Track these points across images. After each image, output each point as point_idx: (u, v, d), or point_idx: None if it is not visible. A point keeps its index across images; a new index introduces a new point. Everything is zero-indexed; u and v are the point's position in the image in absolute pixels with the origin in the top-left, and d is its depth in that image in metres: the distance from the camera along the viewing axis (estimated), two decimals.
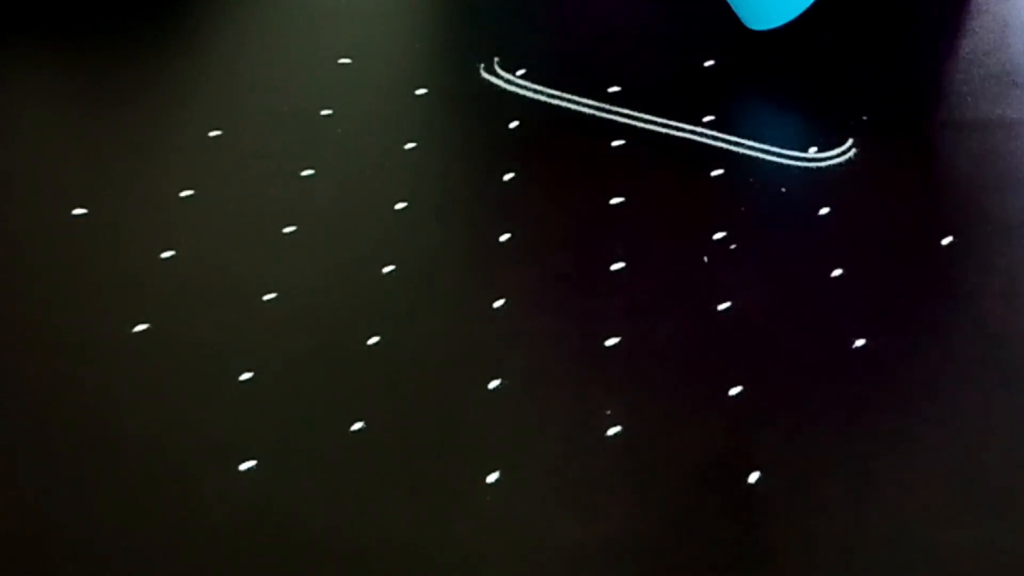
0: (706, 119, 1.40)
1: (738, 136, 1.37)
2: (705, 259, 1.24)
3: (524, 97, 1.45)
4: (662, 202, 1.32)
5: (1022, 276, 1.23)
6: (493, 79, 1.47)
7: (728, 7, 1.57)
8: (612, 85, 1.45)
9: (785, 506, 1.03)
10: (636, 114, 1.41)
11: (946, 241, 1.25)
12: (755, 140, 1.37)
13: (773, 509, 1.03)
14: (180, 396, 1.13)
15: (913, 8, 1.61)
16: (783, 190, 1.32)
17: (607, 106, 1.42)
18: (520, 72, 1.47)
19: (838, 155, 1.35)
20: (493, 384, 1.13)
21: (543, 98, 1.45)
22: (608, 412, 1.09)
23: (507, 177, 1.35)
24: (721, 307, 1.19)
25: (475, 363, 1.15)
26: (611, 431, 1.08)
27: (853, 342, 1.15)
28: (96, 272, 1.27)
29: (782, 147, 1.36)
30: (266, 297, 1.22)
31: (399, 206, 1.31)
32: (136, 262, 1.27)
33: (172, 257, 1.26)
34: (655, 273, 1.24)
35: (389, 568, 1.00)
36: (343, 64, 1.52)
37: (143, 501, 1.05)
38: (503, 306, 1.20)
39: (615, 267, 1.24)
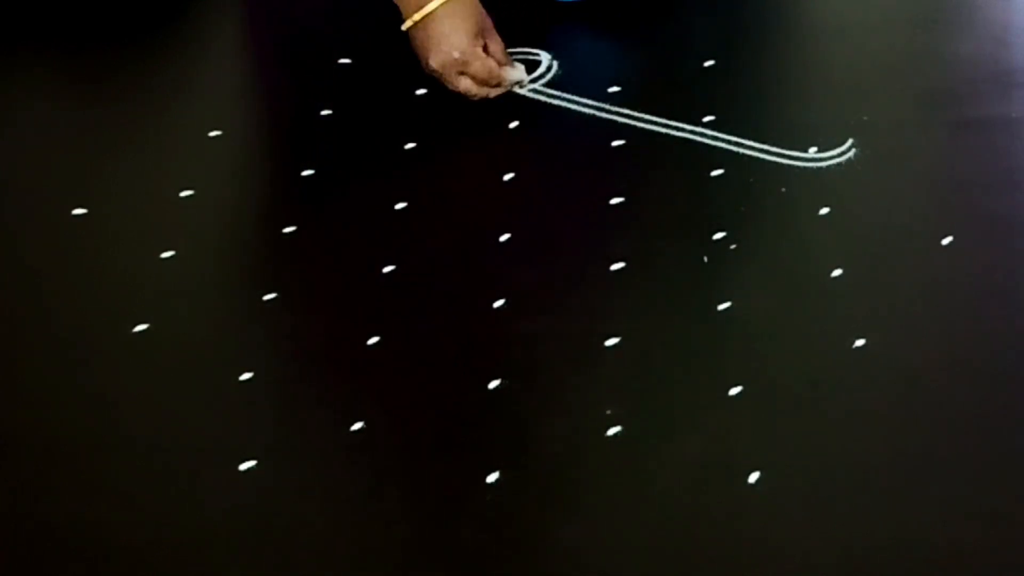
0: (706, 119, 1.40)
1: (738, 136, 1.37)
2: (705, 259, 1.24)
3: (524, 97, 1.45)
4: (662, 202, 1.32)
5: (1022, 276, 1.23)
6: None
7: (727, 8, 1.58)
8: (612, 85, 1.45)
9: (785, 506, 1.03)
10: (636, 114, 1.41)
11: (946, 241, 1.25)
12: (755, 140, 1.37)
13: (773, 509, 1.03)
14: (180, 396, 1.13)
15: (913, 9, 1.61)
16: (783, 190, 1.32)
17: (607, 106, 1.42)
18: None
19: (838, 155, 1.35)
20: (493, 384, 1.13)
21: (543, 98, 1.45)
22: (608, 412, 1.09)
23: (507, 177, 1.35)
24: (721, 307, 1.19)
25: (475, 363, 1.15)
26: (611, 431, 1.08)
27: (853, 342, 1.15)
28: (96, 272, 1.27)
29: (782, 147, 1.36)
30: (266, 297, 1.22)
31: (399, 206, 1.31)
32: (136, 262, 1.27)
33: (172, 257, 1.26)
34: (655, 273, 1.24)
35: (389, 567, 1.00)
36: (343, 64, 1.52)
37: (143, 501, 1.05)
38: (503, 306, 1.20)
39: (615, 267, 1.24)
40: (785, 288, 1.22)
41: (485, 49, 1.41)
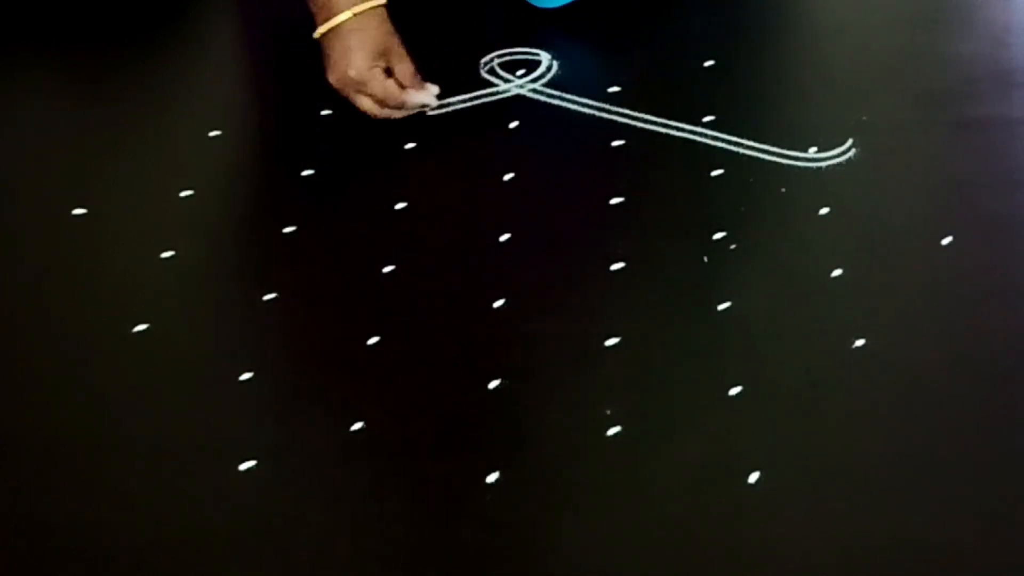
0: (706, 119, 1.40)
1: (738, 136, 1.37)
2: (705, 259, 1.24)
3: (524, 97, 1.45)
4: (662, 202, 1.32)
5: (1022, 276, 1.23)
6: (493, 79, 1.47)
7: (727, 8, 1.58)
8: (612, 85, 1.45)
9: (785, 506, 1.03)
10: (636, 114, 1.41)
11: (946, 241, 1.25)
12: (755, 140, 1.37)
13: (773, 509, 1.03)
14: (180, 396, 1.13)
15: (913, 9, 1.61)
16: (783, 190, 1.32)
17: (607, 106, 1.42)
18: (520, 72, 1.48)
19: (838, 155, 1.35)
20: (493, 384, 1.13)
21: (543, 98, 1.45)
22: (608, 412, 1.09)
23: (507, 177, 1.35)
24: (721, 307, 1.19)
25: (475, 363, 1.15)
26: (611, 431, 1.08)
27: (853, 342, 1.15)
28: (96, 272, 1.27)
29: (782, 147, 1.36)
30: (266, 297, 1.22)
31: (399, 206, 1.31)
32: (136, 262, 1.27)
33: (172, 257, 1.26)
34: (655, 273, 1.24)
35: (389, 567, 1.00)
36: None
37: (143, 501, 1.05)
38: (503, 306, 1.20)
39: (615, 267, 1.24)
40: (785, 288, 1.22)
41: (390, 70, 1.38)
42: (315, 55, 1.44)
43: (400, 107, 1.40)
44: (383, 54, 1.38)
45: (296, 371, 1.16)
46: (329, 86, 1.38)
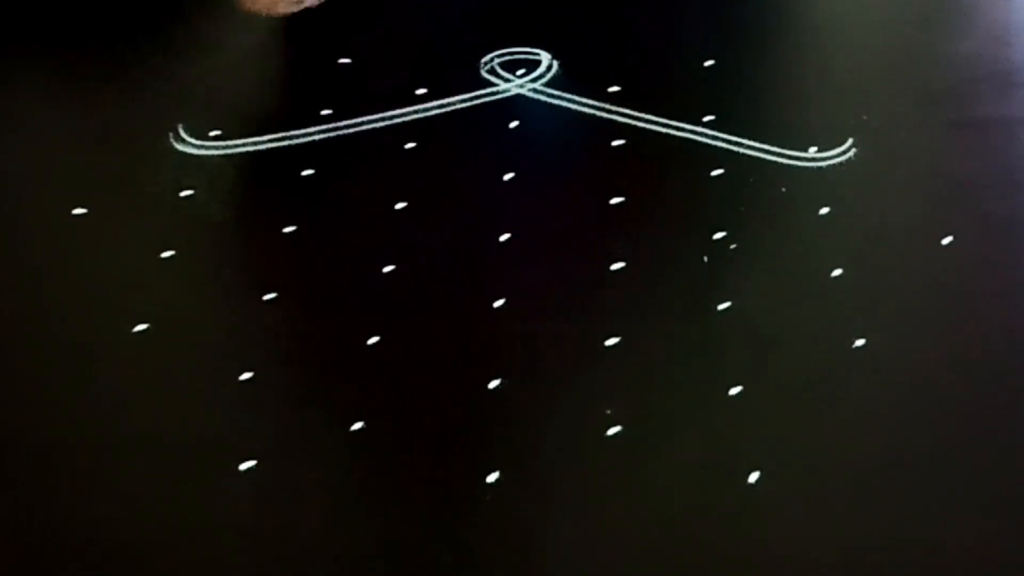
0: (706, 119, 1.40)
1: (738, 136, 1.37)
2: (705, 259, 1.24)
3: (524, 97, 1.45)
4: (662, 202, 1.32)
5: (1022, 276, 1.23)
6: (493, 79, 1.47)
7: (727, 8, 1.58)
8: (612, 85, 1.45)
9: (785, 506, 1.03)
10: (636, 114, 1.41)
11: (946, 241, 1.25)
12: (755, 140, 1.37)
13: (773, 509, 1.03)
14: (180, 396, 1.13)
15: (913, 9, 1.61)
16: (783, 190, 1.32)
17: (607, 106, 1.42)
18: (519, 72, 1.48)
19: (838, 155, 1.35)
20: (493, 384, 1.13)
21: (543, 98, 1.45)
22: (608, 412, 1.09)
23: (507, 177, 1.35)
24: (721, 307, 1.19)
25: (475, 363, 1.15)
26: (611, 431, 1.08)
27: (853, 342, 1.15)
28: (96, 272, 1.27)
29: (782, 147, 1.36)
30: (266, 297, 1.22)
31: (399, 206, 1.32)
32: (136, 262, 1.27)
33: (172, 257, 1.26)
34: (655, 273, 1.24)
35: (389, 568, 1.00)
36: (343, 64, 1.52)
37: (143, 501, 1.05)
38: (503, 306, 1.20)
39: (615, 267, 1.24)
40: (785, 288, 1.22)
41: None
42: (314, 56, 1.44)
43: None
44: None
45: (296, 371, 1.16)
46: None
